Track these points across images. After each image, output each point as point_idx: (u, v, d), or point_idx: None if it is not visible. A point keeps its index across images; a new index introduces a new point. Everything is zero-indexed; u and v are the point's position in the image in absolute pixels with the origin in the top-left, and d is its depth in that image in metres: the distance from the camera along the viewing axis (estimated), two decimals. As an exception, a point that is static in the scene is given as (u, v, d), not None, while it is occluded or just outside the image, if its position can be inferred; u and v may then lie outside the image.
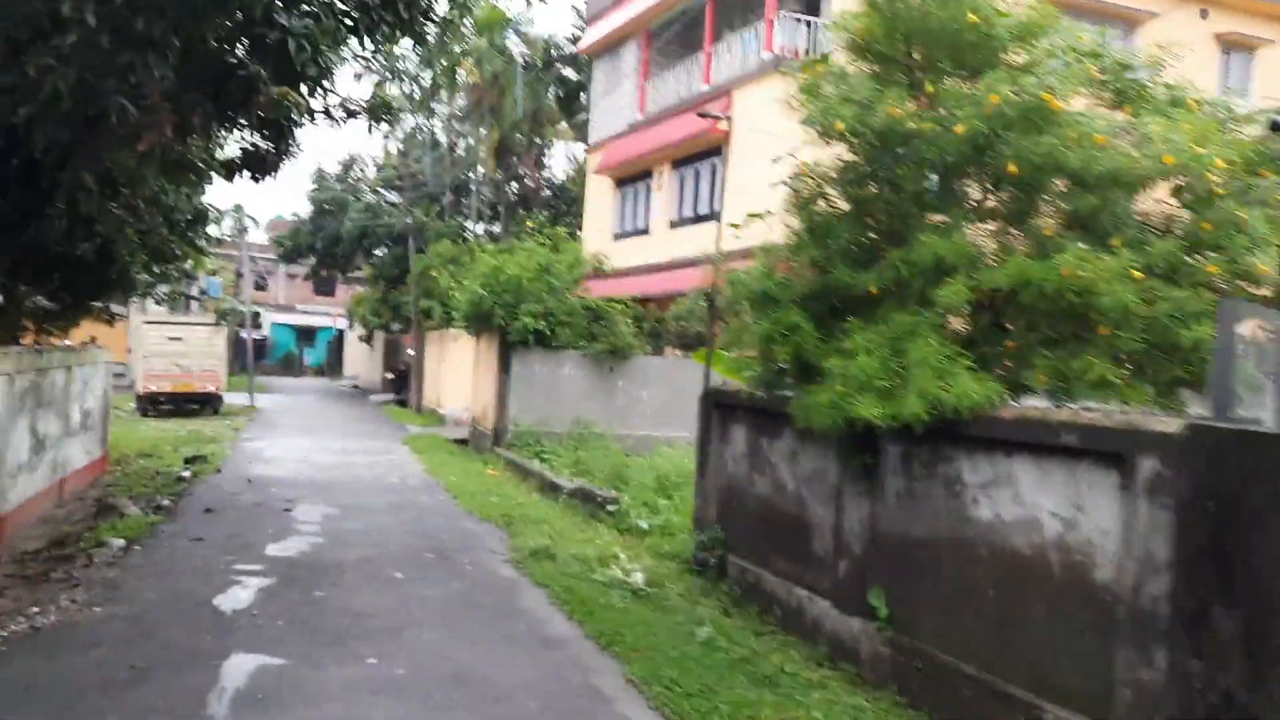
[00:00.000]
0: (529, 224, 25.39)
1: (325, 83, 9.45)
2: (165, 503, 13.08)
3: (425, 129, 38.76)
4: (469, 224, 38.72)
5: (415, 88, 35.03)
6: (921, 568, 6.87)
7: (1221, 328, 5.27)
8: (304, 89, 9.49)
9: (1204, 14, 22.37)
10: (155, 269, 17.78)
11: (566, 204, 38.78)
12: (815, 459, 8.26)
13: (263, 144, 11.01)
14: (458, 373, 27.47)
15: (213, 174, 12.69)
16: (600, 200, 28.72)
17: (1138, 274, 6.20)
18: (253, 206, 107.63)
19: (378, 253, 43.39)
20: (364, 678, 6.70)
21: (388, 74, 31.85)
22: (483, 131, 36.09)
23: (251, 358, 36.83)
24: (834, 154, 8.15)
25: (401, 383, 37.95)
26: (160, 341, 28.14)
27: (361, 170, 47.60)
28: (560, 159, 44.77)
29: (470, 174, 39.10)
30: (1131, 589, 5.23)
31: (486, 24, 32.83)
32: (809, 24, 21.35)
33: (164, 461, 17.45)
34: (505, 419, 20.36)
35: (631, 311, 21.31)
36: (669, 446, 17.76)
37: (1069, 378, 6.57)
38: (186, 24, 7.60)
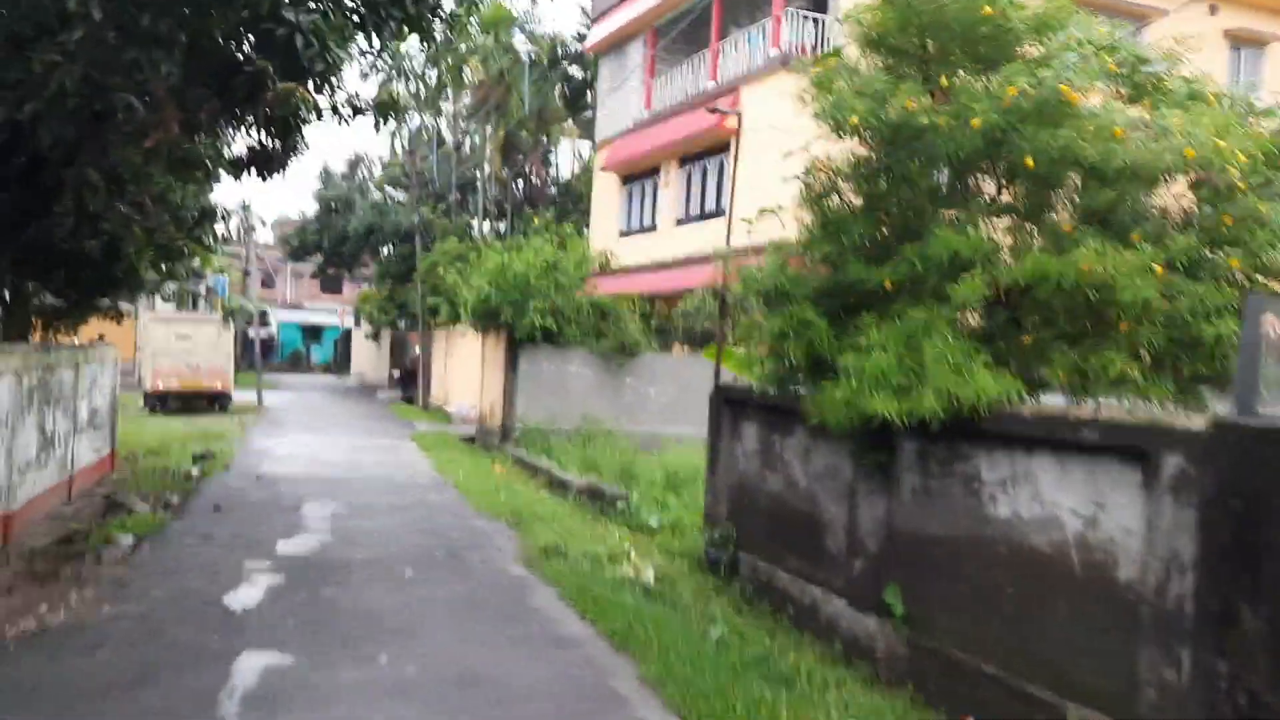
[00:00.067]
0: (536, 221, 25.33)
1: (332, 79, 9.39)
2: (174, 500, 13.04)
3: (431, 127, 38.74)
4: (475, 222, 38.69)
5: (421, 86, 34.98)
6: (938, 566, 6.79)
7: (1248, 323, 5.17)
8: (311, 85, 9.42)
9: (1213, 10, 22.21)
10: (162, 267, 17.75)
11: (573, 201, 38.73)
12: (828, 456, 8.18)
13: (269, 142, 10.94)
14: (465, 370, 27.43)
15: (220, 172, 12.65)
16: (607, 197, 28.65)
17: (1159, 268, 6.11)
18: (260, 205, 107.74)
19: (384, 251, 43.40)
20: (375, 678, 6.64)
21: (394, 72, 31.81)
22: (489, 129, 36.03)
23: (259, 355, 36.81)
24: (845, 150, 8.07)
25: (408, 380, 37.92)
26: (168, 339, 28.16)
27: (368, 169, 47.61)
28: (566, 157, 44.76)
29: (476, 172, 39.05)
30: (1155, 588, 5.15)
31: (492, 22, 32.77)
32: (816, 20, 21.26)
33: (172, 459, 17.41)
34: (513, 416, 20.31)
35: (639, 309, 21.25)
36: (677, 443, 17.71)
37: (1087, 374, 6.48)
38: (193, 20, 7.55)
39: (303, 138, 10.55)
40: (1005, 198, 7.67)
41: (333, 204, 44.91)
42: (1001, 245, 7.29)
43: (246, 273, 41.65)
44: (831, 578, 8.00)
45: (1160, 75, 7.51)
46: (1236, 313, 5.87)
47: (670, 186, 25.14)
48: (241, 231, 39.95)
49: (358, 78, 57.29)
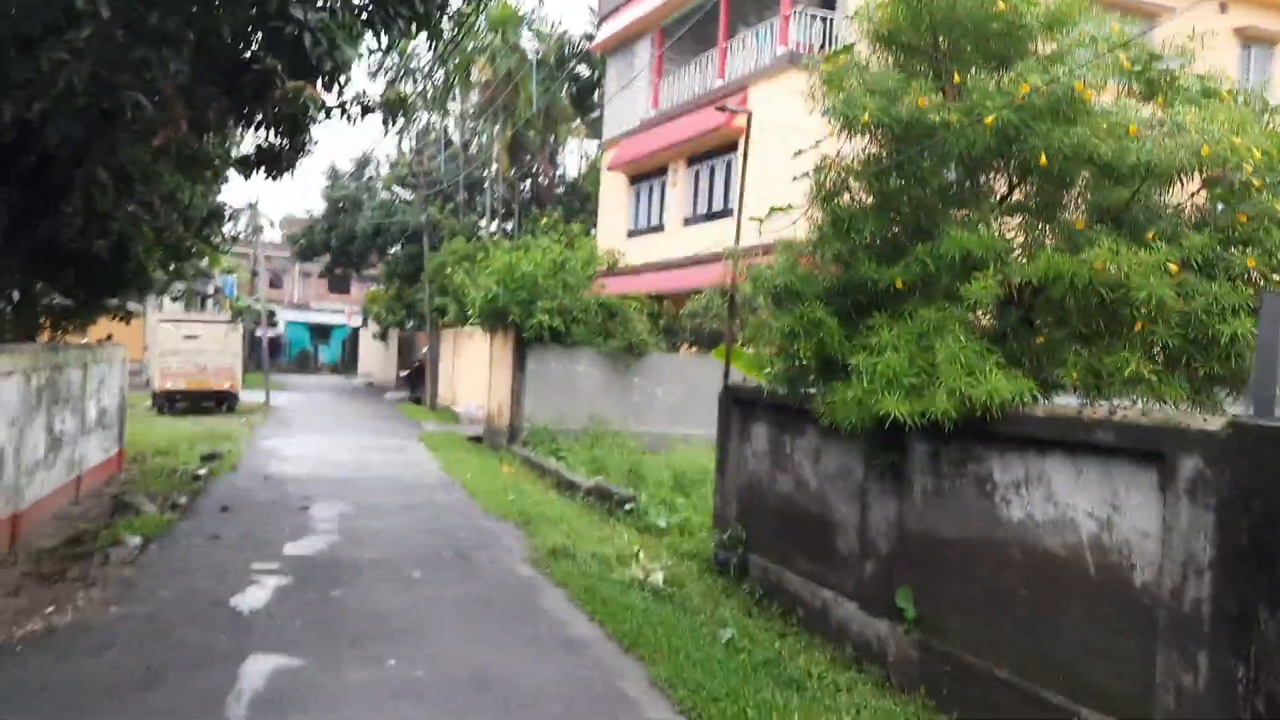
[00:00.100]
0: (544, 221, 25.30)
1: (341, 78, 9.36)
2: (181, 500, 13.02)
3: (439, 127, 38.75)
4: (483, 222, 38.68)
5: (429, 86, 34.99)
6: (951, 568, 6.73)
7: (1264, 322, 5.11)
8: (319, 84, 9.39)
9: (1223, 8, 22.11)
10: (171, 266, 17.75)
11: (580, 201, 38.71)
12: (839, 457, 8.12)
13: (277, 141, 10.94)
14: (472, 370, 27.41)
15: (228, 171, 12.65)
16: (614, 197, 28.61)
17: (1174, 267, 6.04)
18: (267, 205, 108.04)
19: (392, 251, 43.41)
20: (383, 680, 6.60)
21: (402, 72, 31.81)
22: (496, 129, 36.02)
23: (266, 356, 36.86)
24: (855, 148, 8.01)
25: (416, 380, 37.89)
26: (176, 339, 28.19)
27: (376, 168, 47.66)
28: (573, 156, 44.73)
29: (484, 172, 39.05)
30: (1172, 591, 5.09)
31: (500, 21, 32.76)
32: (825, 19, 21.20)
33: (180, 459, 17.41)
34: (520, 416, 20.28)
35: (647, 308, 21.20)
36: (685, 444, 17.66)
37: (1101, 374, 6.42)
38: (201, 18, 7.53)
39: (311, 137, 10.53)
40: (1016, 196, 7.61)
41: (340, 204, 44.94)
42: (1013, 244, 7.24)
43: (254, 273, 41.74)
44: (842, 580, 7.94)
45: (1173, 72, 7.43)
46: (1253, 312, 5.80)
47: (678, 186, 25.09)
48: (249, 231, 39.99)
49: (365, 77, 57.41)
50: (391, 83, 30.16)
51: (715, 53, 23.94)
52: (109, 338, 18.55)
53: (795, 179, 8.26)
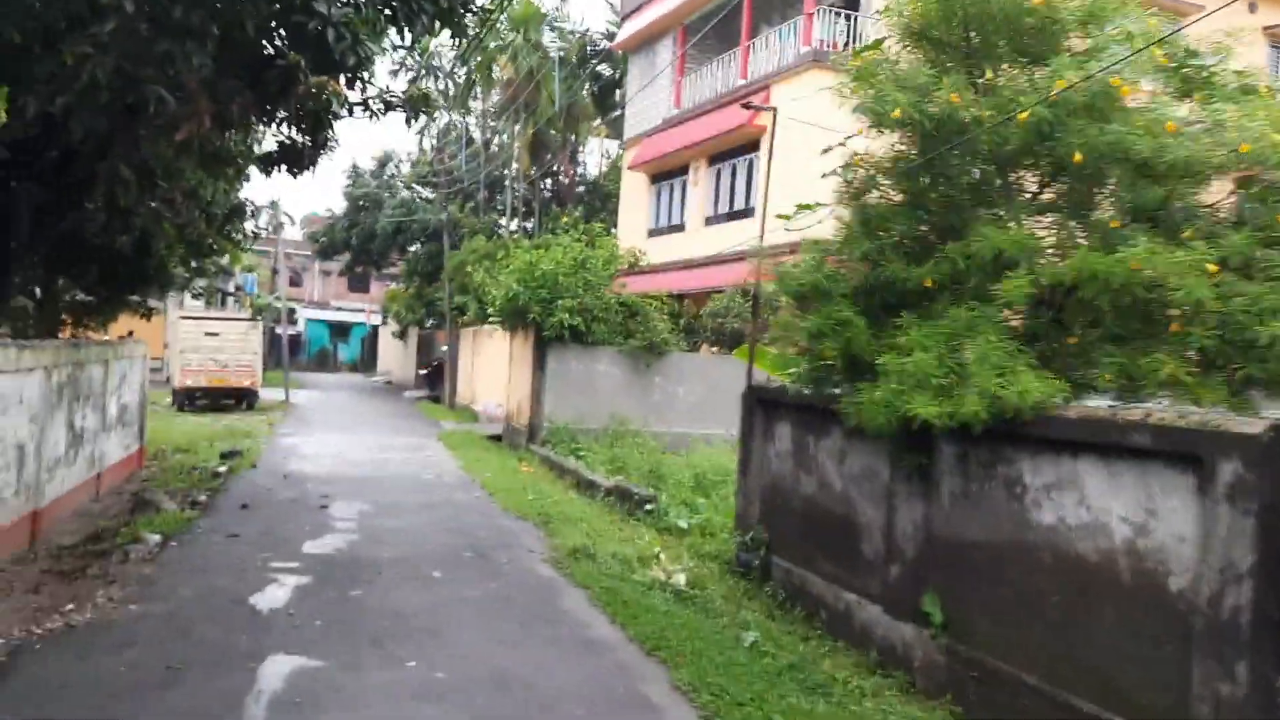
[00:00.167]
0: (564, 220, 25.23)
1: (364, 73, 9.30)
2: (201, 498, 13.02)
3: (460, 125, 38.78)
4: (503, 220, 38.68)
5: (451, 84, 35.02)
6: (979, 573, 6.60)
7: (1308, 324, 4.98)
8: (342, 80, 9.35)
9: (1253, 8, 21.82)
10: (192, 263, 17.80)
11: (600, 200, 38.64)
12: (865, 458, 8.01)
13: (300, 138, 10.91)
14: (491, 369, 27.39)
15: (250, 168, 12.63)
16: (635, 196, 28.53)
17: (1213, 267, 5.90)
18: (288, 203, 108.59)
19: (412, 249, 43.47)
20: (404, 681, 6.54)
21: (424, 69, 31.83)
22: (517, 128, 36.00)
23: (286, 353, 36.96)
24: (883, 145, 7.90)
25: (435, 379, 37.94)
26: (197, 337, 28.29)
27: (396, 167, 47.75)
28: (594, 155, 44.68)
29: (505, 170, 39.05)
30: (1210, 598, 4.96)
31: (522, 20, 32.74)
32: (849, 17, 21.05)
33: (200, 456, 17.44)
34: (540, 415, 20.22)
35: (667, 308, 21.11)
36: (706, 444, 17.57)
37: (1135, 376, 6.29)
38: (225, 12, 7.48)
39: (333, 134, 10.49)
40: (1047, 195, 7.48)
41: (361, 202, 45.04)
42: (1045, 244, 7.11)
43: (275, 271, 41.88)
44: (867, 583, 7.83)
45: (1210, 69, 7.28)
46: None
47: (699, 185, 24.99)
48: (270, 229, 40.12)
49: (387, 75, 57.55)
50: (414, 80, 30.15)
51: (738, 51, 23.83)
52: (130, 334, 18.62)
53: (824, 176, 8.15)
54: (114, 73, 7.17)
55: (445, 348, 35.88)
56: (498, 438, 23.11)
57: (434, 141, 40.55)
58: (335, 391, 41.52)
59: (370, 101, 10.45)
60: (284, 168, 11.03)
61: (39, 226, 10.97)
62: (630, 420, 19.43)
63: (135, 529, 10.63)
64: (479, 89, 36.82)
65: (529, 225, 38.04)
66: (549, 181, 39.56)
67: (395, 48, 10.40)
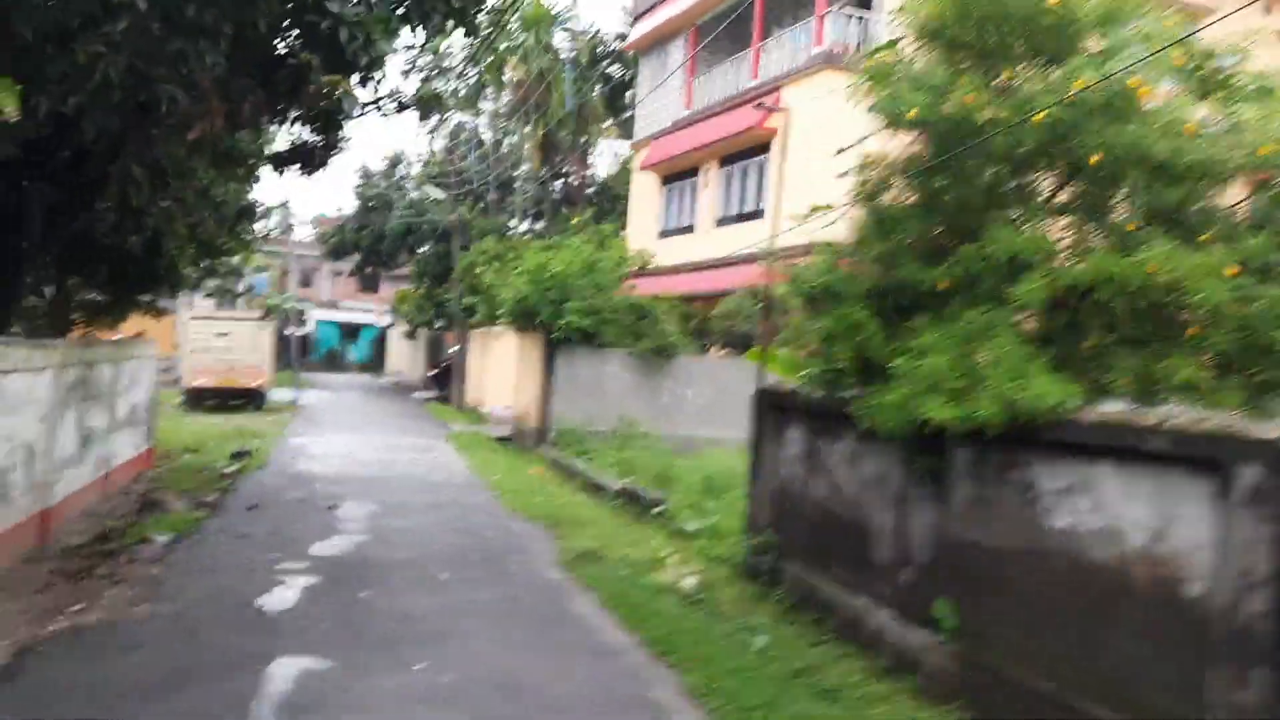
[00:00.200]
0: (575, 221, 25.21)
1: (376, 73, 9.29)
2: (210, 498, 13.02)
3: (470, 126, 38.79)
4: (513, 221, 38.67)
5: (461, 85, 35.02)
6: (992, 578, 6.54)
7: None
8: (355, 80, 9.33)
9: (1269, 9, 21.69)
10: (203, 263, 17.82)
11: (610, 201, 38.61)
12: (877, 462, 7.94)
13: (311, 138, 10.91)
14: (500, 370, 27.36)
15: (261, 168, 12.64)
16: (645, 197, 28.49)
17: (1232, 271, 5.83)
18: (298, 204, 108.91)
19: (422, 250, 43.48)
20: (412, 685, 6.50)
21: (435, 70, 31.85)
22: (528, 128, 35.99)
23: (296, 354, 37.00)
24: (897, 146, 7.84)
25: (444, 380, 37.94)
26: (207, 337, 28.33)
27: (407, 167, 47.77)
28: (604, 156, 44.65)
29: (514, 171, 39.03)
30: (1228, 605, 4.90)
31: (533, 21, 32.74)
32: (860, 19, 20.99)
33: (209, 457, 17.45)
34: (549, 417, 20.20)
35: (677, 310, 21.05)
36: (715, 447, 17.50)
37: (1152, 380, 6.23)
38: (238, 10, 7.45)
39: (344, 132, 10.49)
40: (1063, 197, 7.41)
41: (371, 203, 45.07)
42: (1061, 246, 7.05)
43: (285, 271, 41.95)
44: (878, 589, 7.76)
45: (1227, 70, 7.20)
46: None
47: (710, 187, 24.94)
48: (281, 230, 40.21)
49: (398, 76, 57.62)
50: (425, 81, 30.19)
51: (749, 53, 23.78)
52: (141, 334, 18.65)
53: (839, 177, 8.09)
54: (126, 72, 7.15)
55: (454, 349, 35.88)
56: (506, 439, 23.07)
57: (445, 142, 40.55)
58: (345, 392, 41.56)
59: (382, 102, 10.44)
60: (296, 166, 11.03)
61: (51, 226, 10.97)
62: (639, 422, 19.39)
63: (144, 529, 10.64)
64: (489, 90, 36.81)
65: (539, 226, 38.02)
66: (559, 183, 39.53)
67: (407, 48, 10.36)
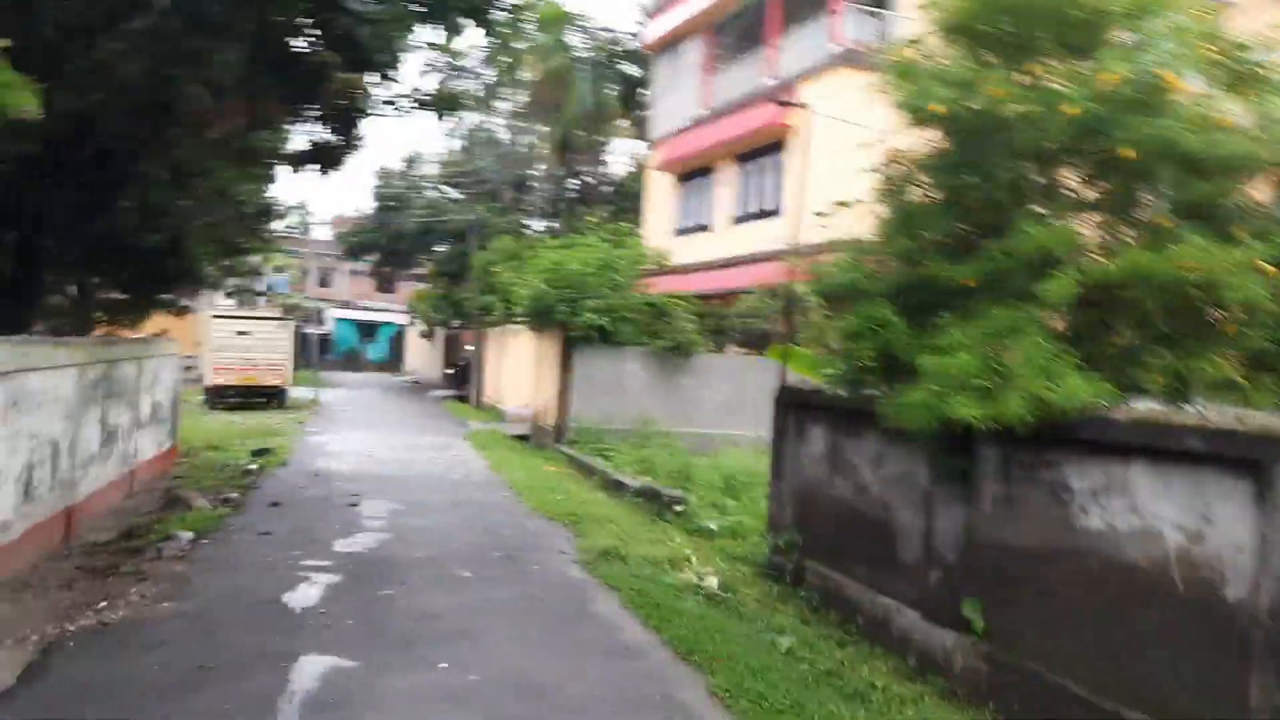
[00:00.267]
0: (591, 220, 25.16)
1: (394, 70, 9.27)
2: (233, 496, 13.04)
3: (487, 125, 38.82)
4: (529, 220, 38.68)
5: (479, 84, 35.04)
6: (1022, 579, 6.45)
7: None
8: (373, 77, 9.32)
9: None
10: (224, 261, 17.86)
11: (626, 200, 38.56)
12: (902, 461, 7.86)
13: (330, 137, 10.91)
14: (518, 368, 27.37)
15: (279, 166, 12.64)
16: (661, 196, 28.42)
17: (1271, 268, 5.72)
18: (318, 204, 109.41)
19: (439, 249, 43.56)
20: (436, 684, 6.46)
21: (452, 70, 31.86)
22: (544, 128, 35.97)
23: (315, 353, 37.12)
24: (919, 142, 7.75)
25: (461, 378, 38.03)
26: (228, 335, 28.46)
27: (425, 167, 47.87)
28: (620, 155, 44.60)
29: (531, 170, 39.03)
30: (1270, 609, 4.82)
31: (550, 19, 32.71)
32: (878, 16, 20.85)
33: (231, 454, 17.50)
34: (567, 415, 20.16)
35: (694, 308, 20.99)
36: (733, 445, 17.44)
37: (1185, 378, 6.13)
38: (257, 9, 7.44)
39: (363, 131, 10.49)
40: (1089, 193, 7.31)
41: (389, 202, 45.19)
42: (1089, 243, 6.95)
43: (304, 270, 42.08)
44: (905, 589, 7.69)
45: (1259, 64, 7.08)
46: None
47: (726, 185, 24.85)
48: (300, 229, 40.34)
49: (415, 76, 57.73)
50: (443, 80, 30.19)
51: (765, 51, 23.66)
52: (163, 332, 18.71)
53: (863, 173, 8.00)
54: (147, 70, 7.15)
55: (472, 347, 35.92)
56: (524, 437, 23.08)
57: (462, 143, 40.60)
58: (363, 390, 41.67)
59: (398, 100, 10.42)
60: (314, 165, 11.03)
61: (73, 225, 11.00)
62: (657, 421, 19.34)
63: (167, 526, 10.65)
64: (506, 89, 36.82)
65: (555, 225, 38.01)
66: (575, 181, 39.50)
67: (425, 45, 10.32)
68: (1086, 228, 7.14)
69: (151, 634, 7.18)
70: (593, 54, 34.86)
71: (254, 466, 16.03)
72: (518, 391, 27.12)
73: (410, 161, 48.15)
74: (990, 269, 6.79)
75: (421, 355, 54.82)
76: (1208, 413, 5.61)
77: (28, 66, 6.48)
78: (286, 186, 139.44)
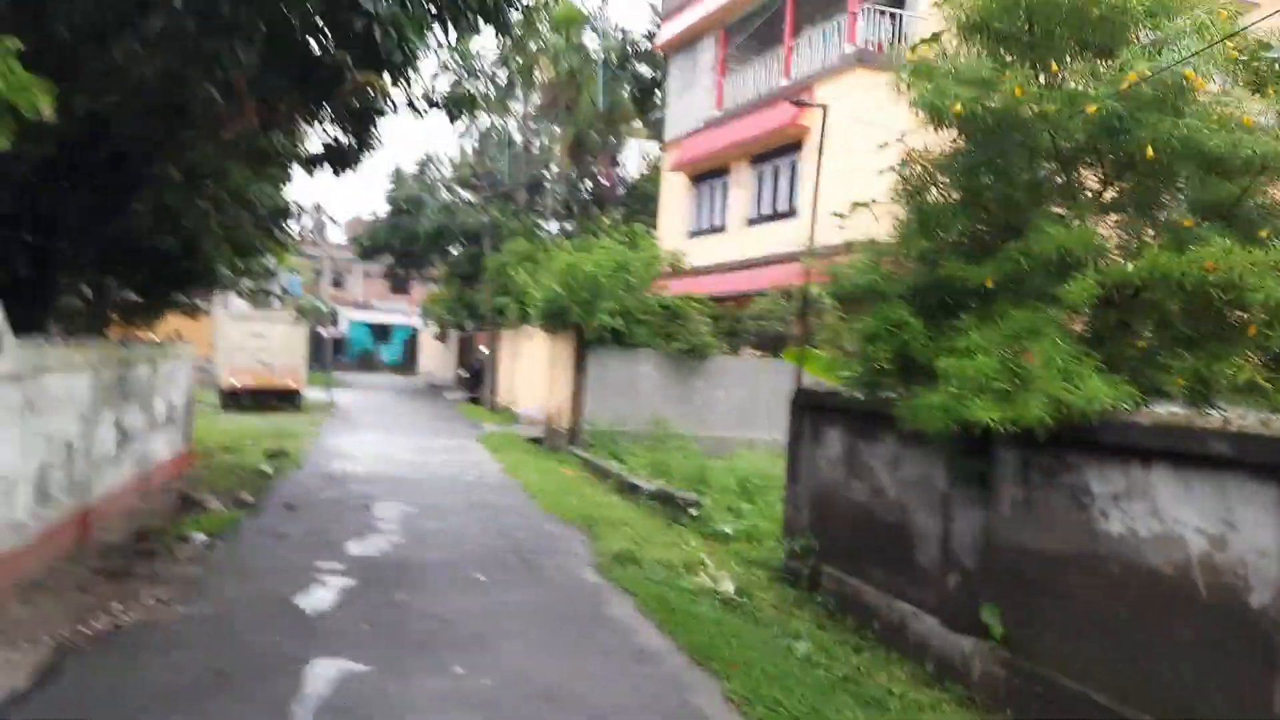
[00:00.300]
0: (605, 221, 25.14)
1: (409, 71, 9.25)
2: (247, 498, 13.04)
3: (501, 126, 38.86)
4: (543, 222, 38.69)
5: (492, 85, 35.08)
6: (1042, 585, 6.37)
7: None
8: (388, 78, 9.30)
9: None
10: (238, 263, 17.90)
11: (640, 202, 38.54)
12: (920, 465, 7.79)
13: (344, 138, 10.90)
14: (532, 371, 27.37)
15: (294, 168, 12.65)
16: (676, 197, 28.37)
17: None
18: (331, 205, 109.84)
19: (453, 251, 43.63)
20: (452, 689, 6.41)
21: (465, 71, 31.91)
22: (558, 129, 35.98)
23: (330, 355, 37.20)
24: (937, 143, 7.68)
25: (475, 380, 38.04)
26: (243, 337, 28.54)
27: (438, 169, 47.96)
28: (634, 156, 44.59)
29: (544, 172, 39.05)
30: (1297, 616, 4.72)
31: (563, 21, 32.71)
32: (893, 15, 20.76)
33: (246, 456, 17.51)
34: (581, 418, 20.13)
35: (709, 310, 20.93)
36: (748, 448, 17.37)
37: (1207, 380, 6.04)
38: (272, 9, 7.43)
39: (377, 133, 10.47)
40: (1110, 193, 7.23)
41: (403, 204, 45.30)
42: (1109, 244, 6.87)
43: (318, 272, 42.20)
44: (922, 594, 7.61)
45: (1282, 63, 6.99)
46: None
47: (741, 186, 24.78)
48: (314, 231, 40.45)
49: (429, 77, 57.89)
50: (457, 82, 30.22)
51: (780, 51, 23.59)
52: (178, 334, 18.77)
53: (881, 173, 7.94)
54: (161, 71, 7.14)
55: (485, 350, 35.94)
56: (538, 440, 23.06)
57: (475, 144, 40.65)
58: (377, 393, 41.76)
59: (414, 100, 10.40)
60: (329, 166, 11.02)
61: (88, 227, 11.02)
62: (671, 423, 19.28)
63: (182, 529, 10.65)
64: (519, 91, 36.84)
65: (569, 227, 38.02)
66: (589, 183, 39.51)
67: (441, 46, 10.29)
68: (1106, 228, 7.07)
69: (165, 637, 7.16)
70: (606, 55, 34.84)
71: (268, 469, 16.04)
72: (531, 394, 27.10)
73: (424, 163, 48.24)
74: (1009, 270, 6.72)
75: (435, 357, 54.92)
76: (1230, 416, 5.52)
77: (42, 68, 6.48)
78: (303, 188, 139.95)
